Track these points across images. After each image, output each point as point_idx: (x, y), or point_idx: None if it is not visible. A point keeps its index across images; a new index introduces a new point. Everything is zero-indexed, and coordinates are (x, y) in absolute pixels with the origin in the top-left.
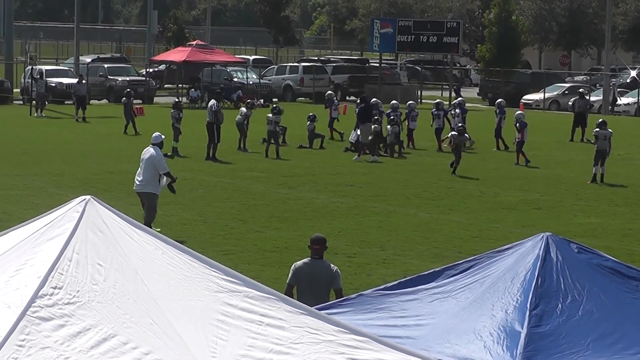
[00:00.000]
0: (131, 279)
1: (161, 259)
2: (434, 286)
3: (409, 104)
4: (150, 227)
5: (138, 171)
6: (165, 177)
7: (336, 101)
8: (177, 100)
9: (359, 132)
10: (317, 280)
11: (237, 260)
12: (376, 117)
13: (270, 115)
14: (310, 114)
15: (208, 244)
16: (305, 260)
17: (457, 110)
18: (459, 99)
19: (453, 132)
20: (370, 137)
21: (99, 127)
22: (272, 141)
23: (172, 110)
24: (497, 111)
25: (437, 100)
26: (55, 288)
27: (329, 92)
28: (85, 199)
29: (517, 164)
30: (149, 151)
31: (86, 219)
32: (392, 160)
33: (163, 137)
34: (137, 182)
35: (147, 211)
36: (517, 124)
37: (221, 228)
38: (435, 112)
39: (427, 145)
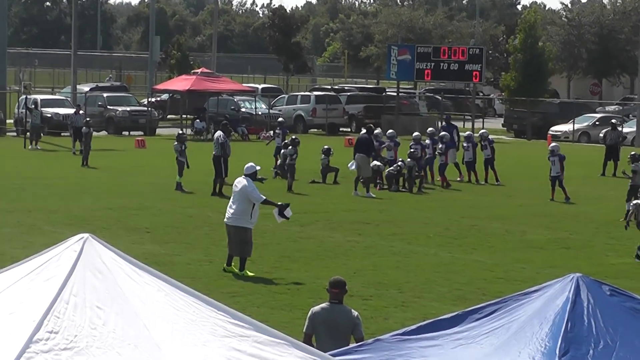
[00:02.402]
0: (132, 323)
1: (164, 302)
2: (456, 331)
3: (482, 133)
4: (244, 265)
5: (229, 203)
6: (259, 211)
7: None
8: (180, 132)
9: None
10: (336, 326)
11: (245, 302)
12: (412, 150)
13: (290, 147)
14: (325, 146)
15: (214, 286)
16: (323, 305)
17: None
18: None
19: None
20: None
21: (97, 161)
22: (287, 175)
23: (175, 144)
24: (483, 143)
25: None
26: (51, 332)
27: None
28: (83, 237)
29: (552, 200)
30: (240, 182)
31: (84, 259)
32: (411, 196)
33: (258, 168)
34: (229, 215)
35: (240, 246)
36: (553, 158)
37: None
38: (466, 145)
39: (450, 180)
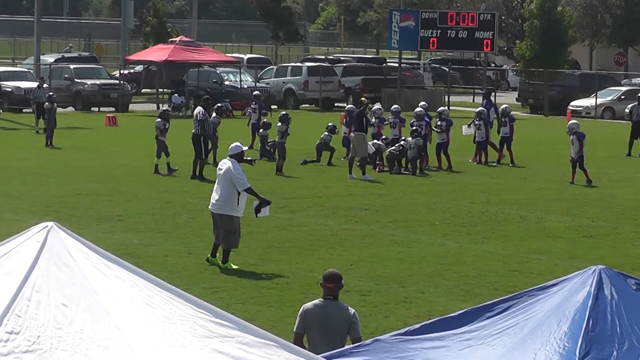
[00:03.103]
0: (102, 322)
1: (138, 298)
2: (464, 331)
3: (504, 108)
4: (227, 259)
5: (214, 187)
6: (246, 197)
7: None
8: (165, 109)
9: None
10: (331, 325)
11: (228, 299)
12: (414, 128)
13: (280, 124)
14: (330, 124)
15: (194, 280)
16: (316, 301)
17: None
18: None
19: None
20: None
21: (63, 140)
22: (276, 155)
23: (158, 120)
24: (503, 119)
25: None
26: (11, 333)
27: (350, 105)
28: (47, 226)
29: (571, 183)
30: (225, 164)
31: (48, 250)
32: (414, 179)
33: (245, 148)
34: (213, 202)
35: (225, 237)
36: (572, 137)
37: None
38: (478, 122)
39: (457, 161)
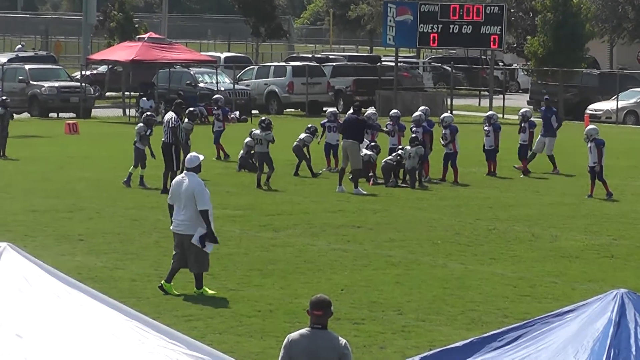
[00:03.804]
0: (61, 355)
1: (103, 327)
2: None
3: (524, 112)
4: (202, 283)
5: (176, 208)
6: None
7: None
8: (148, 114)
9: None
10: (319, 357)
11: (204, 328)
12: (414, 135)
13: (258, 131)
14: (310, 125)
15: (165, 307)
16: (302, 331)
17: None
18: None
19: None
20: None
21: (18, 151)
22: (257, 165)
23: (140, 125)
24: (522, 125)
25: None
26: None
27: (331, 109)
28: (0, 247)
29: (590, 196)
30: (184, 180)
31: (1, 274)
32: (413, 193)
33: (201, 157)
34: (178, 222)
35: (196, 261)
36: (590, 144)
37: (183, 285)
38: (487, 128)
39: (462, 172)
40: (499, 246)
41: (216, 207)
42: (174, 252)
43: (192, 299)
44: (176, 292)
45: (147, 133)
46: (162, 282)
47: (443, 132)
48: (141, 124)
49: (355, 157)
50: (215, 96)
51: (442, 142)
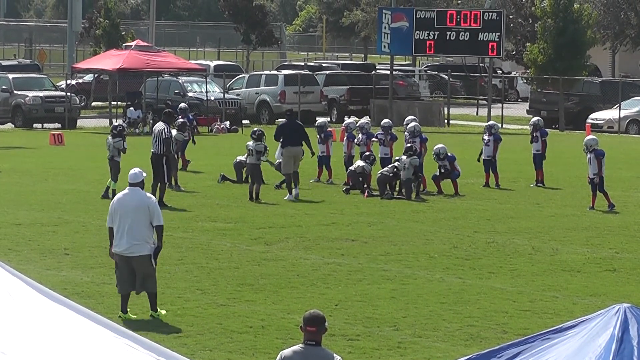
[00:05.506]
0: None
1: (91, 344)
2: None
3: (535, 121)
4: (156, 303)
5: (119, 229)
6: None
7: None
8: (122, 124)
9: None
10: None
11: (194, 345)
12: (409, 145)
13: (251, 143)
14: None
15: (154, 323)
16: (295, 347)
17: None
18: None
19: None
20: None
21: (2, 162)
22: (250, 179)
23: (117, 140)
24: (534, 134)
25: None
26: None
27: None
28: None
29: (591, 208)
30: (130, 196)
31: None
32: (409, 205)
33: (144, 174)
34: (129, 244)
35: (146, 281)
36: (589, 155)
37: (172, 300)
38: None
39: (460, 184)
40: (498, 260)
41: (206, 220)
42: (117, 280)
43: (181, 315)
44: (134, 316)
45: (124, 146)
46: (119, 313)
47: (440, 163)
48: (118, 139)
49: (288, 162)
50: (180, 105)
51: (442, 170)
